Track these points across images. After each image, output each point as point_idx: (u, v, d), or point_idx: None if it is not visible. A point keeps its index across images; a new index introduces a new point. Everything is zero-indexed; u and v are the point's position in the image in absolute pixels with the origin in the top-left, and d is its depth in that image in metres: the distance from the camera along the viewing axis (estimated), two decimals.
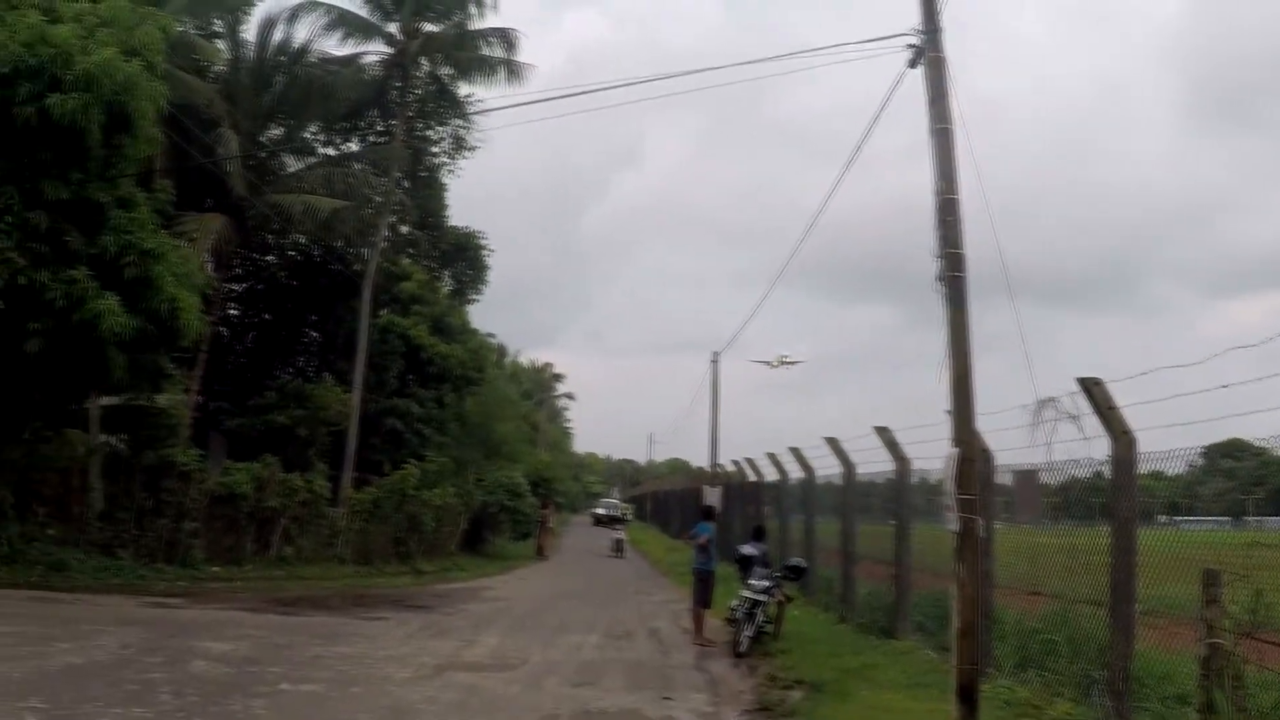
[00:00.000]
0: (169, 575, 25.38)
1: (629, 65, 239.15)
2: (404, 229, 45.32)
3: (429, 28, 39.10)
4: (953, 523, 13.00)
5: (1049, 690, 12.31)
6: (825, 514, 24.99)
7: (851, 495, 22.21)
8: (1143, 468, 11.25)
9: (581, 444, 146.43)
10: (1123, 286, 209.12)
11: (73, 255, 20.96)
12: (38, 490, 25.37)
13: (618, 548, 51.43)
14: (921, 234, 12.84)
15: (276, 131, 36.46)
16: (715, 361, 54.18)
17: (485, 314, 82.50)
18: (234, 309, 39.36)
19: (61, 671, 13.05)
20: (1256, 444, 11.72)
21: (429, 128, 42.61)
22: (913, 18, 14.16)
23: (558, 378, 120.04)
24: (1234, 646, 9.02)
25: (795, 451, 25.56)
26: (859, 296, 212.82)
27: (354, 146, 40.57)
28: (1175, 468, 11.21)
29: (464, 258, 48.98)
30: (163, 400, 28.13)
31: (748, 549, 20.80)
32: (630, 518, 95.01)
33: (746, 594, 19.04)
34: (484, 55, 38.85)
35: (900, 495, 19.06)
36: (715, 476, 47.77)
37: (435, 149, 43.55)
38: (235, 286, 38.48)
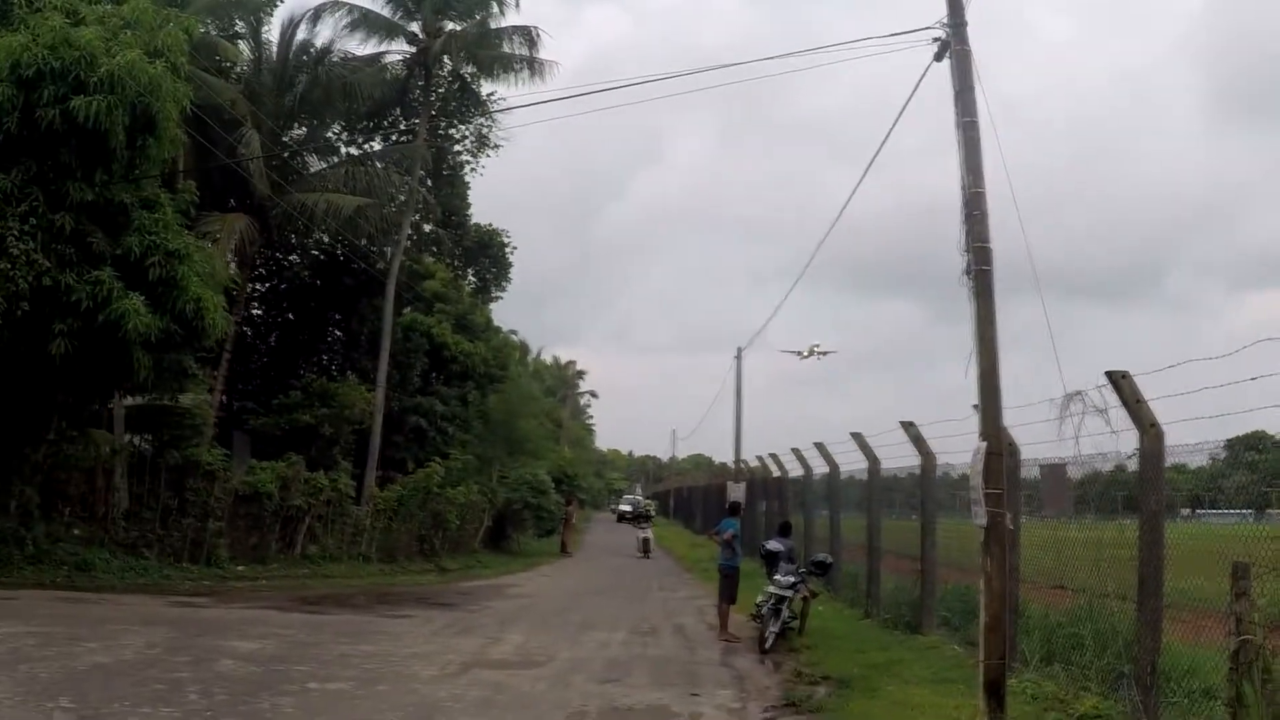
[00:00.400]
0: (194, 575, 25.46)
1: (651, 62, 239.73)
2: (427, 227, 45.48)
3: (451, 26, 39.18)
4: (980, 517, 12.98)
5: (1075, 684, 12.27)
6: (850, 509, 25.02)
7: (876, 490, 22.20)
8: (1168, 461, 11.22)
9: (604, 440, 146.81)
10: (1148, 281, 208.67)
11: (97, 256, 21.03)
12: (63, 490, 25.51)
13: (645, 547, 47.39)
14: (944, 230, 12.85)
15: (299, 131, 36.73)
16: (739, 357, 54.26)
17: (508, 311, 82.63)
18: (257, 308, 39.60)
19: (89, 671, 13.09)
20: (1277, 436, 11.71)
21: (451, 126, 42.73)
22: (938, 12, 14.15)
23: (580, 375, 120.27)
24: (1264, 640, 8.95)
25: (819, 447, 25.49)
26: (882, 292, 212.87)
27: (376, 145, 40.72)
28: (1198, 461, 11.15)
29: (487, 255, 49.14)
30: (187, 400, 28.30)
31: (773, 545, 20.70)
32: (654, 513, 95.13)
33: (772, 590, 18.99)
34: (506, 53, 38.89)
35: (926, 490, 19.01)
36: (739, 472, 47.78)
37: (458, 147, 43.71)
38: (259, 286, 38.75)
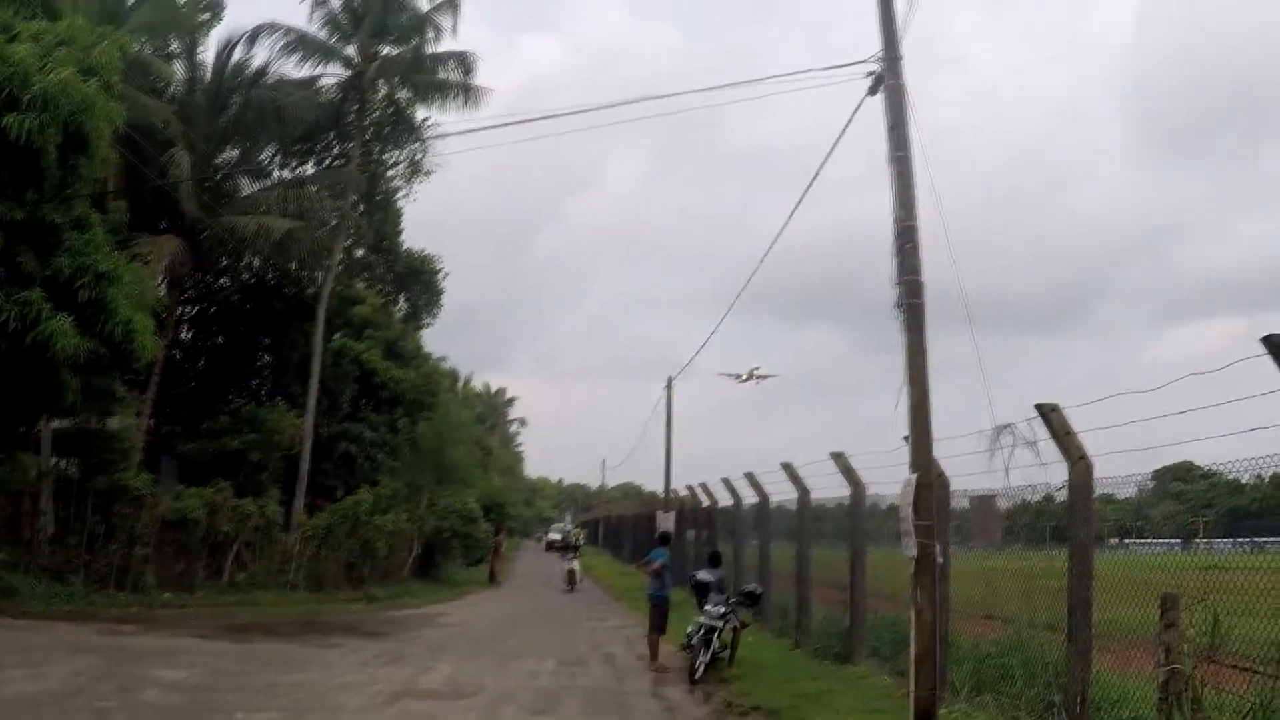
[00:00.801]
0: (120, 601, 25.14)
1: (586, 90, 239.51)
2: (359, 252, 45.15)
3: (387, 50, 39.11)
4: (911, 548, 13.15)
5: (1005, 715, 12.39)
6: (780, 539, 25.07)
7: (806, 520, 22.29)
8: (1096, 491, 11.40)
9: (533, 468, 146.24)
10: (1078, 312, 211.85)
11: (26, 277, 20.77)
12: None
13: (571, 580, 44.20)
14: (877, 259, 13.08)
15: (232, 153, 36.35)
16: (669, 387, 54.39)
17: (439, 338, 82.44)
18: (187, 332, 39.06)
19: (14, 701, 12.90)
20: (1206, 467, 11.91)
21: (385, 151, 42.51)
22: (874, 45, 14.41)
23: (510, 402, 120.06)
24: (1192, 670, 9.12)
25: (749, 477, 25.65)
26: (815, 320, 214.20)
27: (309, 169, 40.41)
28: (1126, 491, 11.36)
29: (418, 282, 48.96)
30: (115, 424, 27.95)
31: (703, 575, 20.75)
32: (582, 542, 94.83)
33: (702, 620, 19.02)
34: (441, 79, 38.93)
35: (855, 520, 19.11)
36: (669, 502, 47.85)
37: (391, 172, 43.45)
38: (188, 309, 38.22)
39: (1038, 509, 13.46)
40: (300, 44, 37.12)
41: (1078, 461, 11.23)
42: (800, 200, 23.26)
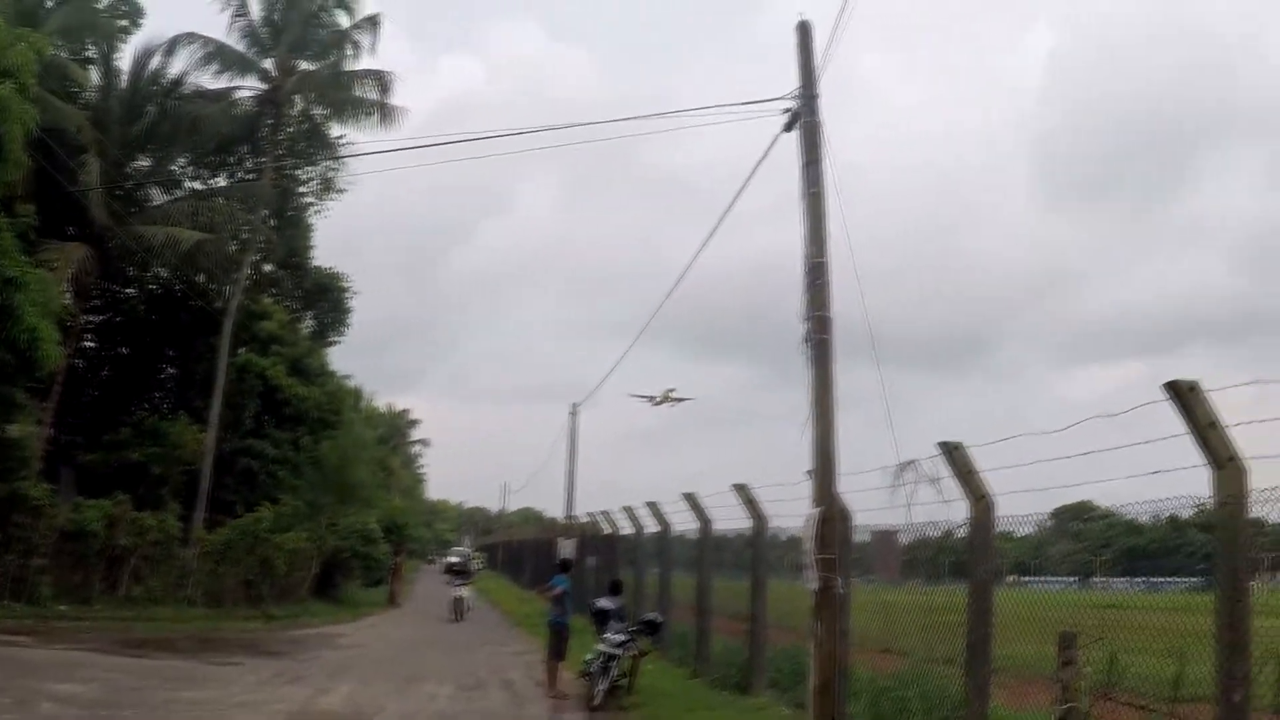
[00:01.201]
0: (16, 613, 24.70)
1: (503, 112, 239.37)
2: (267, 267, 44.74)
3: (305, 66, 39.01)
4: (812, 581, 13.39)
5: None
6: (681, 569, 25.17)
7: (707, 550, 22.35)
8: (997, 528, 11.55)
9: (434, 491, 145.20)
10: (983, 351, 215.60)
11: None
12: None
13: (458, 610, 39.55)
14: (782, 293, 13.32)
15: (144, 162, 35.99)
16: (574, 414, 54.54)
17: (345, 356, 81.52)
18: (91, 341, 38.48)
19: None
20: (1105, 508, 12.16)
21: (298, 166, 42.29)
22: (788, 79, 14.73)
23: (413, 423, 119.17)
24: (1089, 707, 9.38)
25: (652, 506, 25.67)
26: (723, 352, 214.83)
27: (221, 182, 40.08)
28: (1025, 529, 11.57)
29: (326, 299, 48.53)
30: (14, 432, 27.46)
31: (603, 602, 20.77)
32: (482, 567, 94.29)
33: (602, 647, 19.03)
34: (358, 97, 38.94)
35: (757, 551, 19.23)
36: (570, 528, 47.87)
37: (303, 188, 43.23)
38: (93, 318, 37.67)
39: (938, 545, 13.70)
40: (218, 55, 36.94)
41: (979, 500, 11.37)
42: (712, 233, 23.68)
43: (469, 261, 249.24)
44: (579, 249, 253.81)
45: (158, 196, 36.64)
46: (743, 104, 16.02)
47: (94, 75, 34.11)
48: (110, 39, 34.21)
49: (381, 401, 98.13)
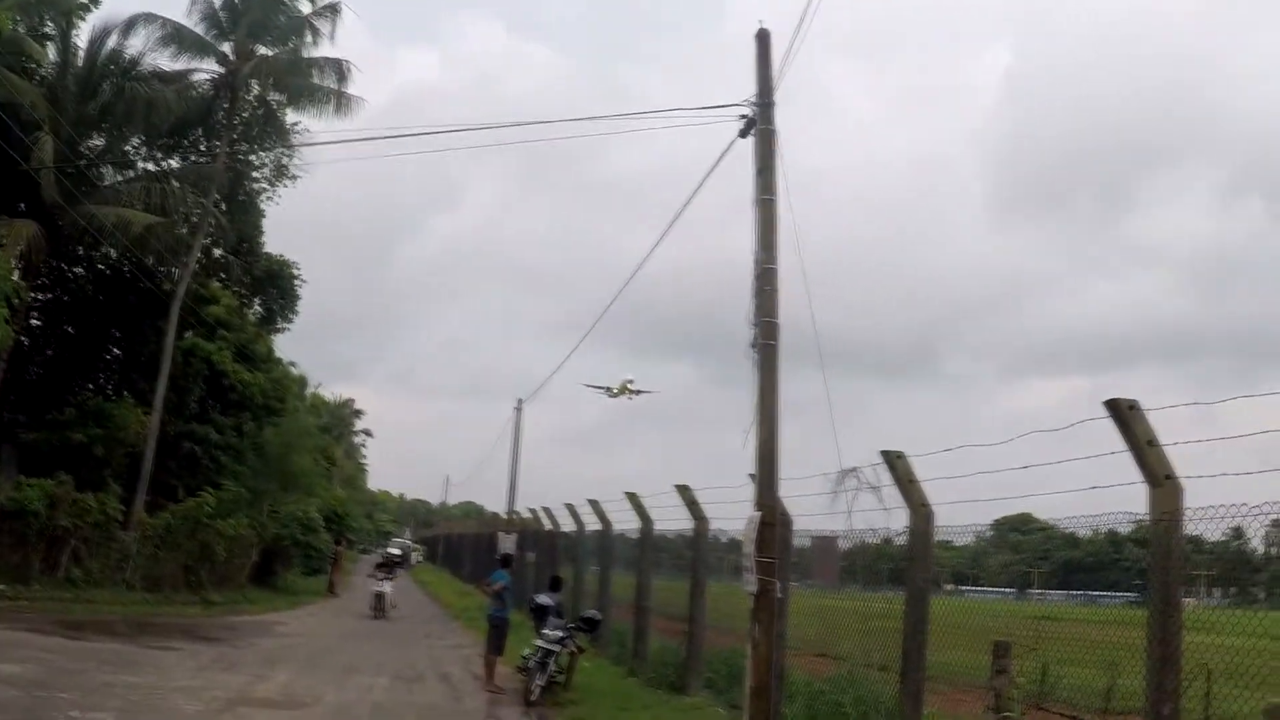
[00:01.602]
0: None
1: (459, 106, 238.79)
2: (217, 252, 44.42)
3: (263, 51, 38.81)
4: (751, 584, 13.59)
5: None
6: (621, 567, 25.33)
7: (648, 550, 22.48)
8: (937, 538, 11.67)
9: (376, 482, 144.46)
10: (930, 360, 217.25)
11: None
12: None
13: (379, 605, 36.34)
14: (729, 294, 13.48)
15: (98, 141, 35.74)
16: (519, 409, 54.66)
17: (292, 343, 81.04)
18: (37, 319, 38.06)
19: None
20: (1044, 520, 12.33)
21: (252, 151, 42.08)
22: (746, 83, 14.88)
23: (358, 413, 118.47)
24: (1021, 714, 9.60)
25: (594, 504, 25.73)
26: (670, 352, 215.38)
27: (175, 164, 39.83)
28: (965, 539, 11.72)
29: (275, 286, 48.25)
30: None
31: (543, 599, 20.91)
32: (421, 560, 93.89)
33: (540, 643, 19.19)
34: (315, 84, 38.75)
35: (697, 553, 19.40)
36: (511, 523, 47.93)
37: (256, 174, 43.04)
38: (40, 296, 37.31)
39: (877, 552, 13.89)
40: (176, 37, 36.72)
41: (919, 509, 11.48)
42: (664, 234, 23.78)
43: (418, 254, 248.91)
44: (529, 245, 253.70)
45: (110, 176, 36.37)
46: (699, 109, 16.16)
47: (51, 52, 33.83)
48: (69, 16, 33.92)
49: (326, 390, 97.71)
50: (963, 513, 11.38)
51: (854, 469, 12.64)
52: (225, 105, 38.70)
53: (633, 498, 22.24)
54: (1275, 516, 7.71)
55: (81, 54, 34.03)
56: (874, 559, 14.24)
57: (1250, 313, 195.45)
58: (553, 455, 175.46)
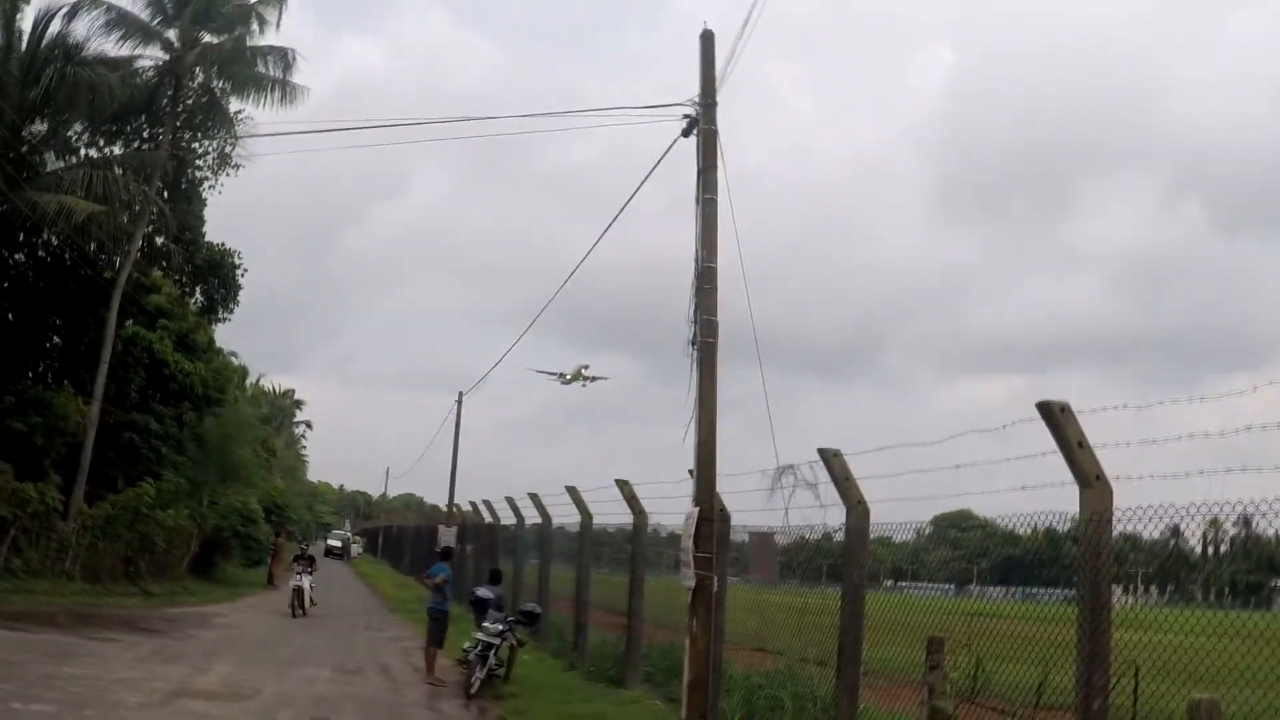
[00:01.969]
0: None
1: (403, 97, 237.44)
2: (159, 240, 44.05)
3: (208, 38, 38.56)
4: (689, 579, 13.84)
5: None
6: (561, 561, 25.54)
7: (587, 544, 22.71)
8: (874, 534, 11.75)
9: (316, 473, 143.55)
10: (869, 358, 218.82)
11: None
12: None
13: (297, 603, 33.27)
14: (670, 289, 13.63)
15: (41, 127, 35.40)
16: (460, 401, 54.65)
17: (233, 333, 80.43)
18: None
19: None
20: (983, 517, 12.51)
21: (196, 139, 41.80)
22: (690, 82, 15.07)
23: (299, 404, 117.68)
24: (954, 709, 9.84)
25: (534, 498, 25.89)
26: (611, 346, 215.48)
27: (118, 150, 39.49)
28: (904, 536, 11.88)
29: (217, 275, 47.80)
30: None
31: (483, 592, 21.06)
32: (361, 551, 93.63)
33: (480, 636, 19.36)
34: (260, 73, 38.52)
35: (636, 547, 19.64)
36: (451, 516, 48.03)
37: (200, 162, 42.72)
38: None
39: (815, 548, 14.11)
40: (122, 22, 36.39)
41: (856, 506, 11.55)
42: (603, 234, 23.88)
43: (360, 244, 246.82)
44: (471, 238, 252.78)
45: (52, 162, 36.03)
46: (643, 108, 16.34)
47: None
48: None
49: (267, 381, 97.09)
50: (902, 509, 11.37)
51: (791, 466, 12.82)
52: (169, 92, 38.36)
53: (572, 491, 22.44)
54: (1210, 515, 7.88)
55: (25, 38, 33.67)
56: (812, 555, 14.45)
57: (1185, 316, 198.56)
58: (495, 447, 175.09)
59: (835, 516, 12.10)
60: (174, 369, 40.72)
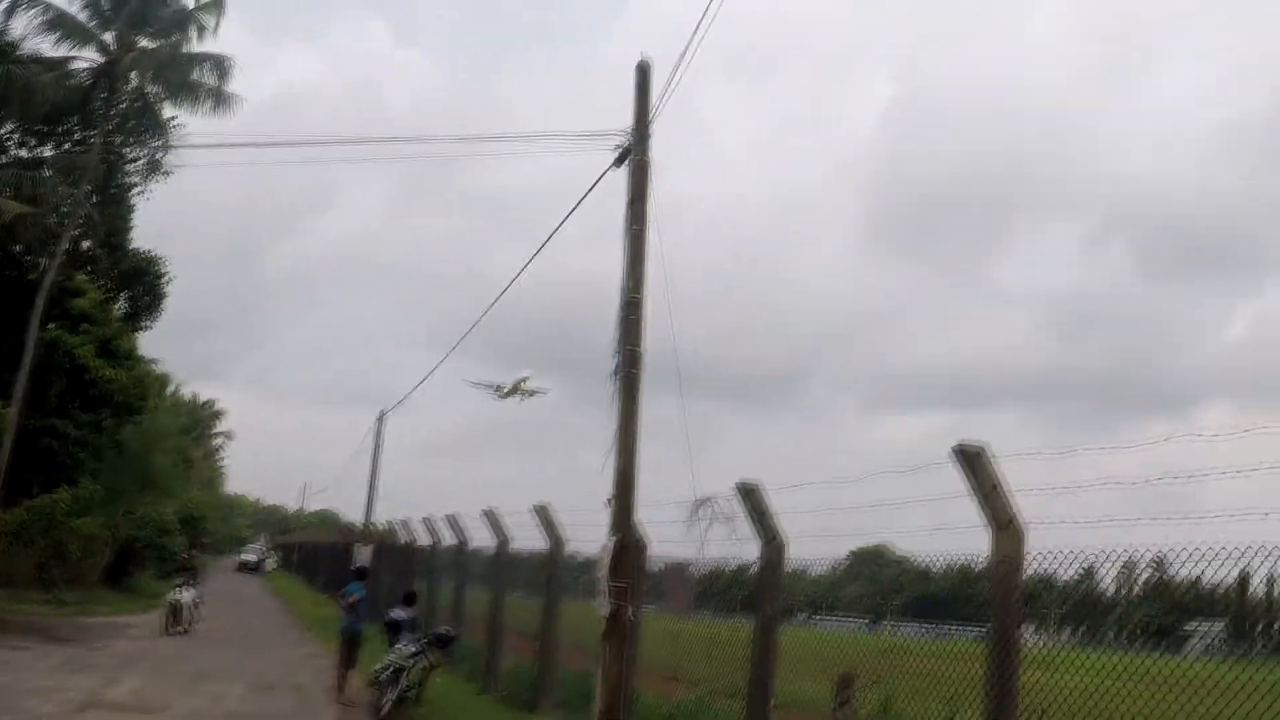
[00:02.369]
0: None
1: (338, 109, 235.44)
2: (85, 244, 43.66)
3: (145, 43, 38.43)
4: (604, 606, 13.96)
5: None
6: (476, 583, 25.37)
7: (504, 568, 22.69)
8: (791, 567, 11.83)
9: (234, 485, 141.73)
10: (792, 390, 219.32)
11: None
12: None
13: (174, 619, 29.60)
14: (596, 312, 13.68)
15: None
16: (381, 420, 54.40)
17: (154, 342, 79.40)
18: None
19: None
20: (899, 554, 12.75)
21: (127, 144, 41.52)
22: (624, 107, 15.23)
23: (218, 415, 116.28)
24: None
25: (451, 519, 25.87)
26: (530, 367, 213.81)
27: (49, 152, 39.16)
28: (820, 569, 12.00)
29: (142, 282, 47.35)
30: None
31: (397, 613, 20.87)
32: (276, 566, 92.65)
33: (392, 658, 19.20)
34: (195, 80, 38.42)
35: (553, 572, 19.64)
36: (368, 534, 47.75)
37: (130, 167, 42.40)
38: None
39: (731, 579, 14.27)
40: (59, 23, 36.27)
41: (771, 541, 11.64)
42: (531, 259, 23.99)
43: (286, 257, 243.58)
44: (399, 256, 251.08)
45: None
46: (577, 135, 16.37)
47: None
48: None
49: (187, 390, 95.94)
50: (821, 544, 11.51)
51: (709, 498, 12.97)
52: (104, 95, 38.15)
53: (490, 514, 22.37)
54: (1125, 558, 8.12)
55: None
56: (727, 586, 14.59)
57: (1107, 359, 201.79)
58: (416, 465, 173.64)
59: (752, 550, 12.18)
60: (95, 375, 40.26)
